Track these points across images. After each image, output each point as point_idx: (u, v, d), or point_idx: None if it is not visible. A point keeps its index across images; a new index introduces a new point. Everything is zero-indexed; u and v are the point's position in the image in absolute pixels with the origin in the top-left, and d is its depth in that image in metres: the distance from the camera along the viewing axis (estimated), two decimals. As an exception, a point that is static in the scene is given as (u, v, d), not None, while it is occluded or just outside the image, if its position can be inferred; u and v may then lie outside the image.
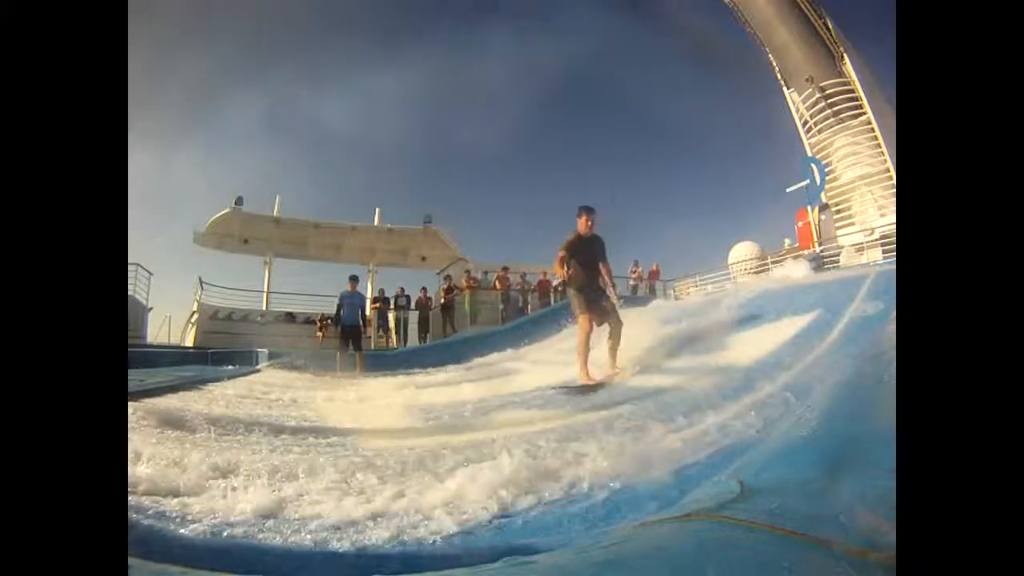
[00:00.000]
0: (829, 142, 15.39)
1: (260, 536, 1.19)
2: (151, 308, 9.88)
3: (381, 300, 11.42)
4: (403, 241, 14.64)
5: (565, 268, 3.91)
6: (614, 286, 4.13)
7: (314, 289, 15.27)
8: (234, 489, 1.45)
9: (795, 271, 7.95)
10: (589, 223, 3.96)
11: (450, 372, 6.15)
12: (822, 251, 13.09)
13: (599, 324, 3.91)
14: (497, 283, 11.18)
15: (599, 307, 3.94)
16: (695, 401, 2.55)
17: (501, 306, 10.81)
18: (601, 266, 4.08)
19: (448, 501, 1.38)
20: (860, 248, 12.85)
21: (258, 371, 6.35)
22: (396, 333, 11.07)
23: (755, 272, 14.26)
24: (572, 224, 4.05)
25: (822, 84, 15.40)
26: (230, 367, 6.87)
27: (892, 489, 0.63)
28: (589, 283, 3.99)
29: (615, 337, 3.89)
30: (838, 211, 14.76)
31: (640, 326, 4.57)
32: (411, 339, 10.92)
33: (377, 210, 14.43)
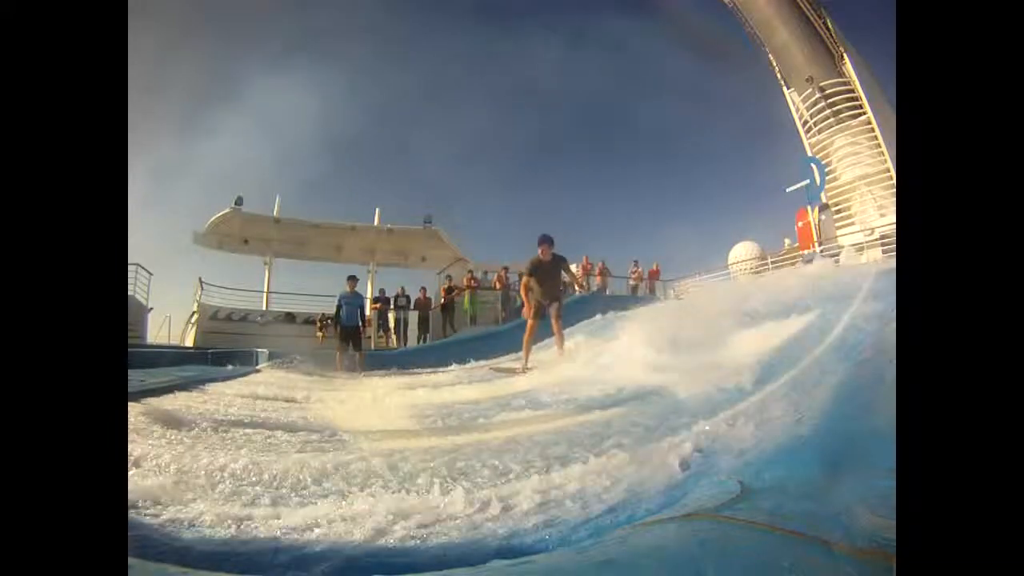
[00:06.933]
0: (829, 142, 15.41)
1: (260, 536, 1.19)
2: (151, 308, 9.90)
3: (381, 300, 11.42)
4: (403, 241, 14.63)
5: (527, 293, 5.40)
6: (579, 282, 6.00)
7: (314, 289, 15.26)
8: (234, 489, 1.45)
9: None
10: (548, 250, 5.14)
11: (449, 372, 6.15)
12: (822, 251, 13.10)
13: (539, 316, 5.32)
14: (496, 283, 11.18)
15: (544, 312, 5.35)
16: (696, 399, 2.55)
17: (499, 306, 10.82)
18: (568, 274, 5.68)
19: (448, 501, 1.37)
20: (860, 248, 12.86)
21: (258, 371, 6.34)
22: (396, 333, 11.07)
23: (755, 272, 14.26)
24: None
25: (822, 84, 15.42)
26: (230, 367, 6.87)
27: (892, 489, 0.63)
28: (544, 296, 5.34)
29: (558, 332, 5.38)
30: (838, 211, 14.78)
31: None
32: (411, 339, 10.92)
33: (377, 210, 14.43)
